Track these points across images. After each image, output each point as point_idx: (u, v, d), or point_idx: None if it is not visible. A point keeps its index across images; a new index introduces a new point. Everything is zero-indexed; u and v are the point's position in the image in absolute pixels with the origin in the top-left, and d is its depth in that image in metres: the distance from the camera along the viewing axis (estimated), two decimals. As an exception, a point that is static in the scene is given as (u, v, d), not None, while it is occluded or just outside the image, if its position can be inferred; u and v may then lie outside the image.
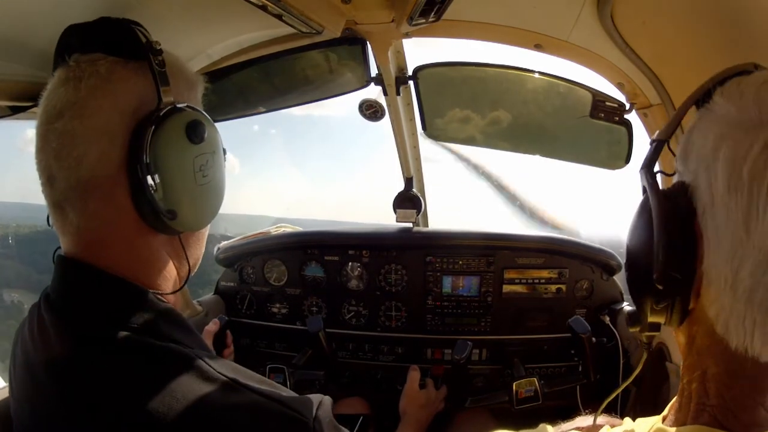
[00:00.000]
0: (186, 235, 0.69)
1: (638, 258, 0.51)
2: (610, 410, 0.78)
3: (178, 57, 0.70)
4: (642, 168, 0.51)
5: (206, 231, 0.77)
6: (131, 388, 0.55)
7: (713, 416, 0.48)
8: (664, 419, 0.56)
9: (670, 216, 0.46)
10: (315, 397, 0.65)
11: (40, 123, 0.61)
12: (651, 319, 0.50)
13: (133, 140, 0.60)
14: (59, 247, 0.65)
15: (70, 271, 0.64)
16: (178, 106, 0.64)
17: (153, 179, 0.60)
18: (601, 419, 0.81)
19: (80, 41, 0.63)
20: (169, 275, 0.69)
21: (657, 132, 0.52)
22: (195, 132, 0.64)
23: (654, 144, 0.52)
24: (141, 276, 0.64)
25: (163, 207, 0.61)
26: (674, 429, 0.50)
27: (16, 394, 0.66)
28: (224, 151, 0.74)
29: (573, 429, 0.72)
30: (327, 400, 0.66)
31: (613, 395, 1.07)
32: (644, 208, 0.50)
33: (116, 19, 0.64)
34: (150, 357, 0.57)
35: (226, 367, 0.60)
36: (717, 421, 0.47)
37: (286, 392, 0.64)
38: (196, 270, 0.77)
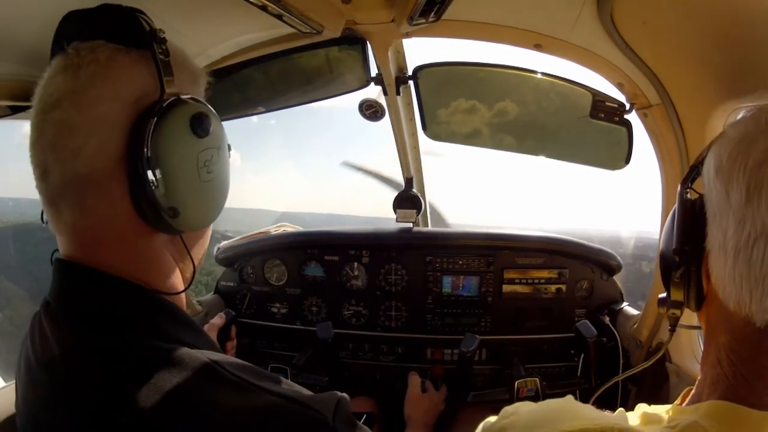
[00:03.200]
0: (189, 234, 0.66)
1: (666, 248, 0.61)
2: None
3: (182, 49, 0.67)
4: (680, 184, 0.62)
5: (209, 230, 0.74)
6: (140, 395, 0.51)
7: (730, 387, 0.52)
8: (680, 404, 0.60)
9: (686, 210, 0.58)
10: (332, 395, 0.63)
11: (36, 113, 0.58)
12: (673, 296, 0.59)
13: (133, 132, 0.56)
14: (57, 250, 0.62)
15: (68, 275, 0.60)
16: (183, 97, 0.61)
17: (154, 174, 0.57)
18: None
19: (80, 28, 0.60)
20: (173, 276, 0.66)
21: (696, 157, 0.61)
22: (200, 125, 0.61)
23: (690, 167, 0.62)
24: (143, 277, 0.61)
25: (164, 204, 0.58)
26: (692, 407, 0.54)
27: (21, 407, 0.63)
28: (229, 147, 0.71)
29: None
30: (345, 398, 0.64)
31: (604, 387, 1.08)
32: (673, 213, 0.60)
33: (118, 5, 0.60)
34: (158, 361, 0.54)
35: (239, 368, 0.57)
36: (734, 391, 0.51)
37: (303, 391, 0.61)
38: (198, 271, 0.73)
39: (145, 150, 0.56)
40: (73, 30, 0.60)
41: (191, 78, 0.68)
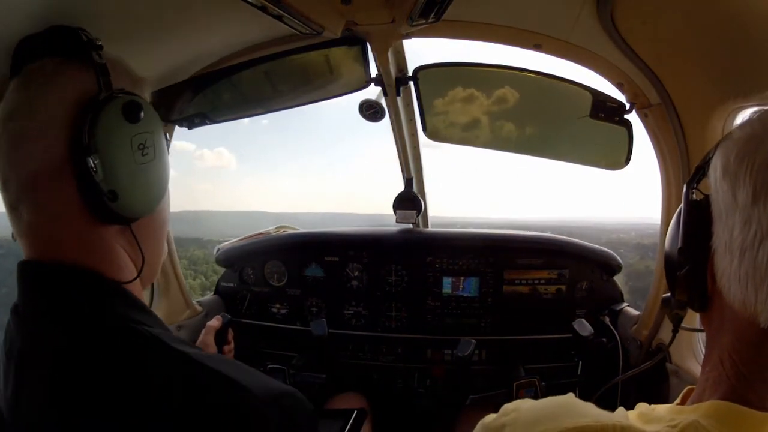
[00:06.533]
0: (138, 227, 0.69)
1: (671, 248, 0.61)
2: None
3: (124, 60, 0.73)
4: (685, 184, 0.62)
5: (162, 224, 0.77)
6: (87, 372, 0.57)
7: (731, 387, 0.52)
8: (680, 404, 0.60)
9: (692, 210, 0.58)
10: (286, 388, 0.65)
11: None
12: (678, 296, 0.59)
13: (74, 127, 0.61)
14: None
15: (28, 273, 0.64)
16: (116, 93, 0.66)
17: (92, 160, 0.61)
18: None
19: (30, 51, 0.67)
20: (126, 268, 0.69)
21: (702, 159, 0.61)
22: (132, 111, 0.66)
23: (696, 168, 0.62)
24: (98, 268, 0.65)
25: (104, 187, 0.62)
26: (692, 407, 0.54)
27: (2, 404, 0.66)
28: (167, 135, 0.74)
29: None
30: (298, 395, 0.66)
31: (605, 388, 1.08)
32: (678, 213, 0.61)
33: (61, 26, 0.68)
34: (103, 338, 0.59)
35: (185, 344, 0.62)
36: (735, 392, 0.52)
37: (255, 376, 0.63)
38: (156, 269, 0.78)
39: (84, 138, 0.61)
40: (26, 54, 0.67)
41: (131, 83, 0.72)
